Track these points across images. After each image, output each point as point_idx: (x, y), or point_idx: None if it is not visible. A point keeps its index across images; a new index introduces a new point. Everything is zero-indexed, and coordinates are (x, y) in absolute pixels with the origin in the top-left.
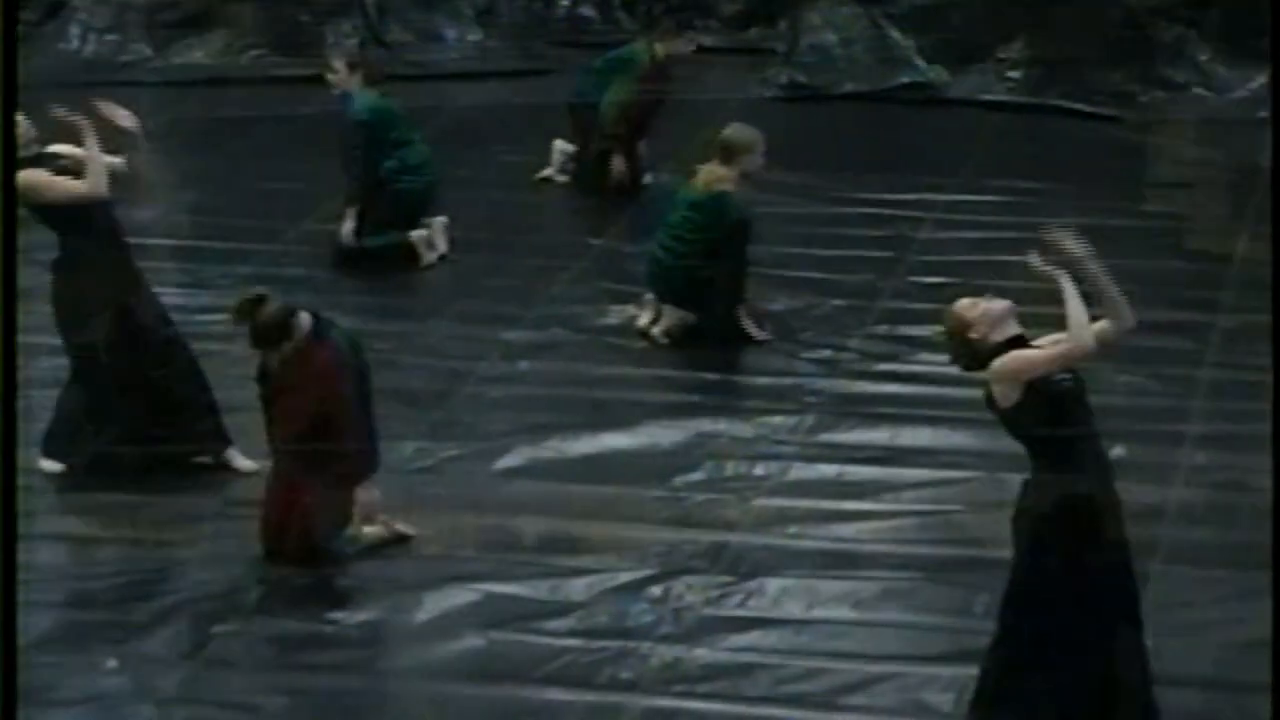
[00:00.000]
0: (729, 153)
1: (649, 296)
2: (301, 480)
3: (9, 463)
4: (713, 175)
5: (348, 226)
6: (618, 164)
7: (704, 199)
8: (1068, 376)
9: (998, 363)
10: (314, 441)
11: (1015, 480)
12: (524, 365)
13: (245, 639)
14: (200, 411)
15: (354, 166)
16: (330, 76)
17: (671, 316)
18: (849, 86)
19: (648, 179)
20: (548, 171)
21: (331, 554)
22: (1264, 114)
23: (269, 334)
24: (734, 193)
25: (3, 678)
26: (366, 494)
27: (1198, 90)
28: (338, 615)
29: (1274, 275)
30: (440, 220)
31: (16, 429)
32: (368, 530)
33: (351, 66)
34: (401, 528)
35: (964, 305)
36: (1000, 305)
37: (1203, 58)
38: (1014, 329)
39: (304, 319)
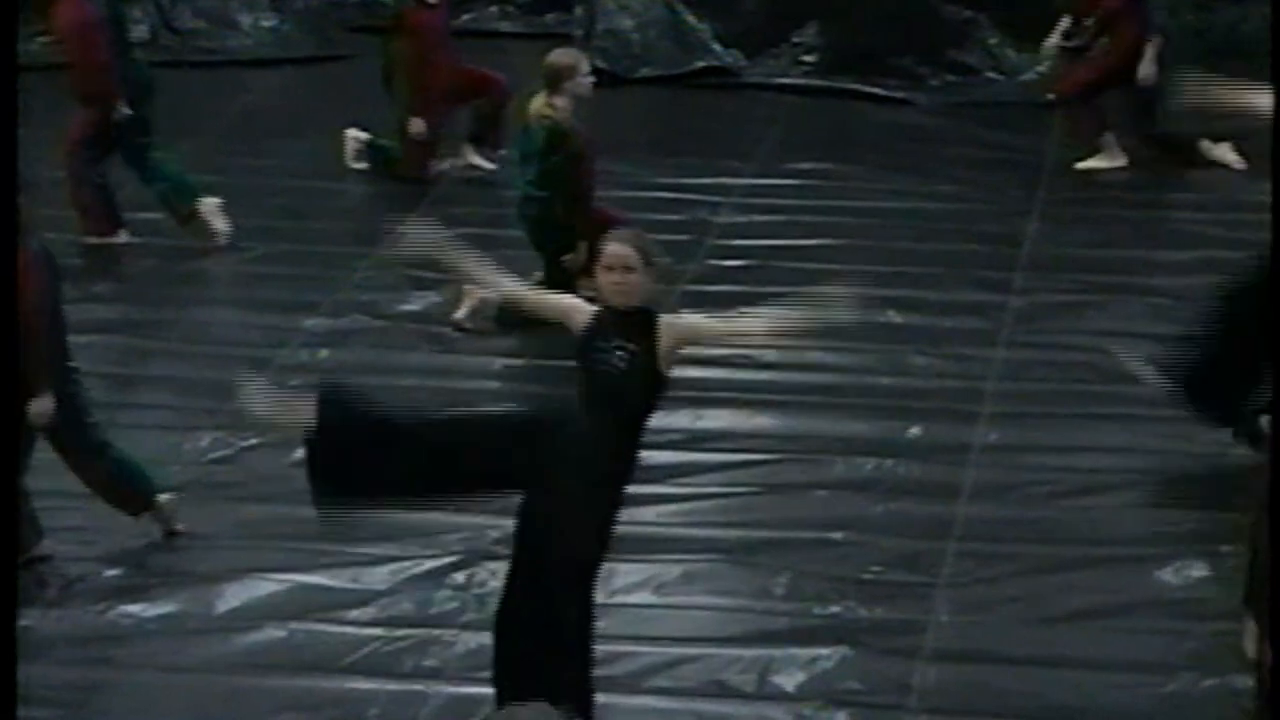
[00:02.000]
0: (554, 79)
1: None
2: None
3: (9, 464)
4: (541, 105)
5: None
6: (415, 125)
7: (536, 133)
8: None
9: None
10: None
11: (815, 462)
12: (324, 353)
13: (41, 633)
14: None
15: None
16: None
17: (475, 300)
18: (646, 71)
19: (445, 165)
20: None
21: None
22: (1052, 96)
23: None
24: (566, 120)
25: (2, 677)
26: (39, 405)
27: (988, 74)
28: (135, 608)
29: (1274, 272)
30: (213, 201)
31: (17, 430)
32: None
33: None
34: (179, 526)
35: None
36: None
37: (992, 41)
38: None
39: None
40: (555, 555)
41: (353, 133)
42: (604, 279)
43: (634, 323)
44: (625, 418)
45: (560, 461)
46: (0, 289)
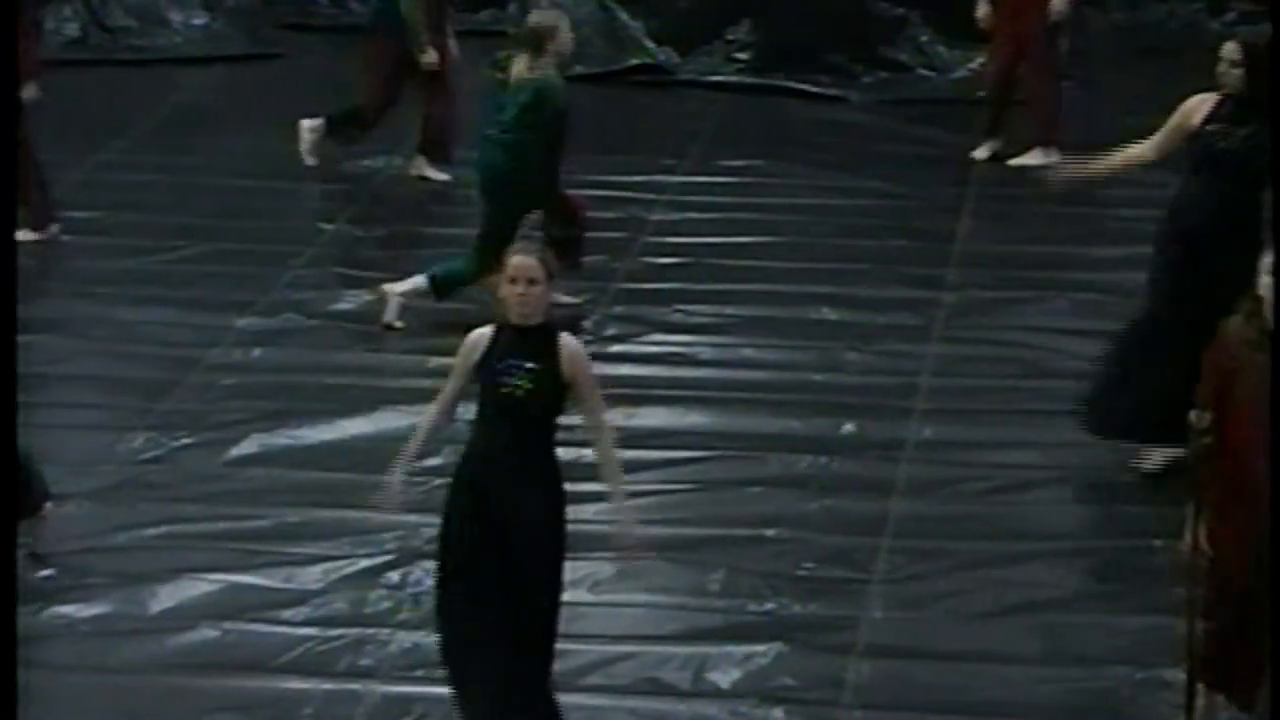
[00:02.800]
0: (538, 40)
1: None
2: None
3: (9, 465)
4: (524, 70)
5: None
6: (429, 56)
7: (523, 87)
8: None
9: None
10: None
11: (749, 459)
12: (256, 352)
13: None
14: None
15: None
16: None
17: (396, 297)
18: (579, 69)
19: (380, 162)
20: (306, 156)
21: None
22: (983, 94)
23: None
24: (557, 79)
25: (2, 677)
26: None
27: (920, 70)
28: (68, 609)
29: (1275, 273)
30: None
31: (16, 426)
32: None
33: None
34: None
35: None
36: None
37: (923, 39)
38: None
39: None
40: (529, 556)
41: (306, 124)
42: (508, 291)
43: (536, 340)
44: (533, 429)
45: (501, 486)
46: (0, 288)
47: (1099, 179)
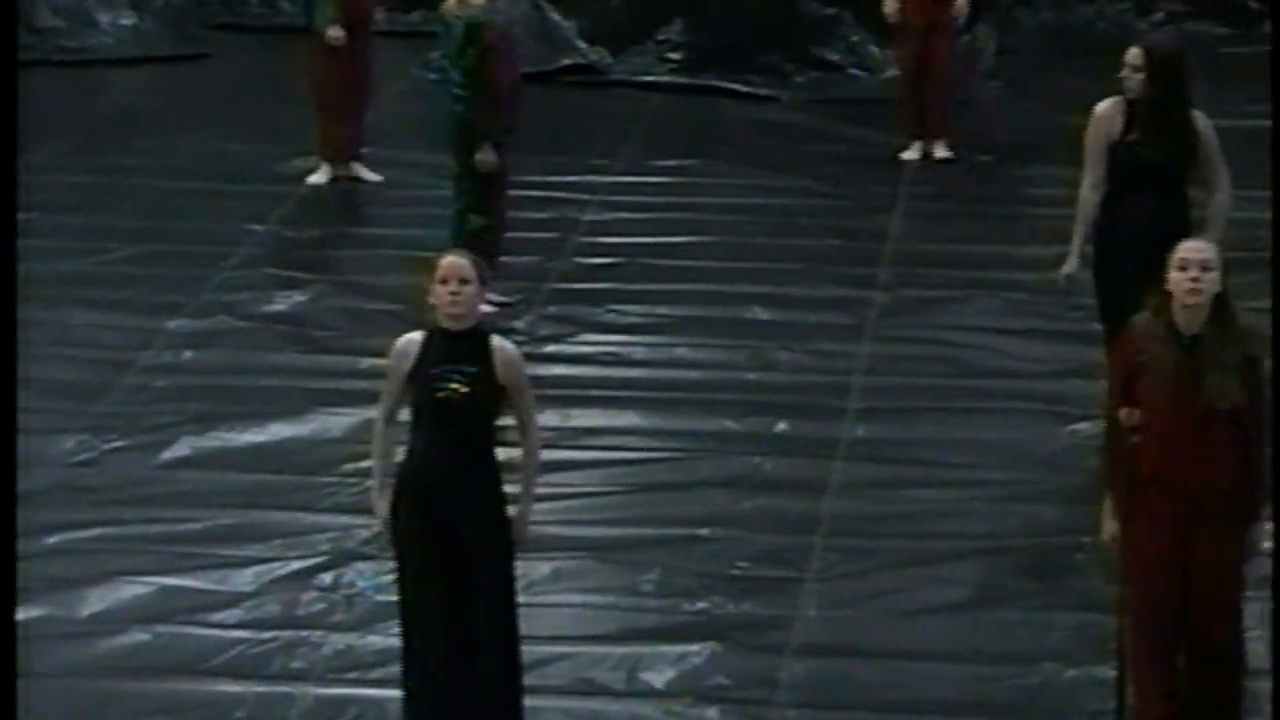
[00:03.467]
0: None
1: None
2: None
3: (8, 460)
4: (453, 4)
5: None
6: (335, 32)
7: (454, 27)
8: None
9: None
10: None
11: (683, 459)
12: (188, 355)
13: None
14: None
15: None
16: None
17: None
18: None
19: (310, 162)
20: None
21: None
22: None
23: None
24: (480, 15)
25: (2, 679)
26: None
27: (851, 70)
28: None
29: (1274, 273)
30: None
31: (15, 424)
32: None
33: None
34: None
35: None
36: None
37: (854, 38)
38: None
39: None
40: (479, 560)
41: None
42: (439, 291)
43: (469, 344)
44: (472, 433)
45: (445, 491)
46: (0, 289)
47: (1083, 243)
